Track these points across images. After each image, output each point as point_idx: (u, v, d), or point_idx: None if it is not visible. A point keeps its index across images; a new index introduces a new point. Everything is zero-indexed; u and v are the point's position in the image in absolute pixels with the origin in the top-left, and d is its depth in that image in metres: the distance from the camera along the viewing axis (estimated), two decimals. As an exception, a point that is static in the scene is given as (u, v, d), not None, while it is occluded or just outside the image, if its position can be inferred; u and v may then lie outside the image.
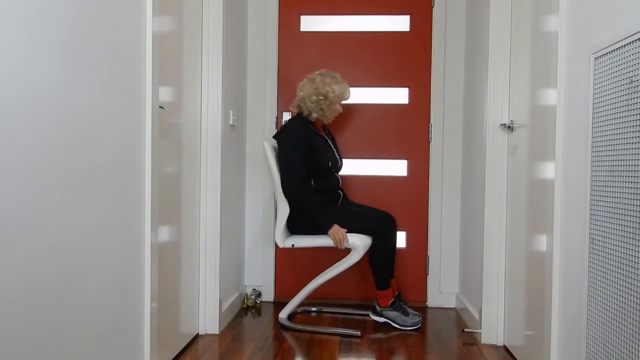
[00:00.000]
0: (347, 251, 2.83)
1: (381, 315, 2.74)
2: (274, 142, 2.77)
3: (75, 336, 1.35)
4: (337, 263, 2.73)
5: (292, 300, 2.81)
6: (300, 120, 2.72)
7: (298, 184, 2.58)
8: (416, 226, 3.19)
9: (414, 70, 3.17)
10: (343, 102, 2.76)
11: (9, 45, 1.09)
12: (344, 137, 3.17)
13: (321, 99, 2.67)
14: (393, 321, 2.70)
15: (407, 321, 2.68)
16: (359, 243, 2.58)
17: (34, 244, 1.18)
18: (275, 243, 3.20)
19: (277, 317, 2.87)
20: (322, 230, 2.61)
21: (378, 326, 2.73)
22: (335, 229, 2.58)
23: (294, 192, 2.59)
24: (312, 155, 2.63)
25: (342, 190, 2.85)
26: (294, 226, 2.69)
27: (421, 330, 2.68)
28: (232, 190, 2.85)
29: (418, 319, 2.71)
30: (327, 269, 2.91)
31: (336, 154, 2.80)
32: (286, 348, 2.40)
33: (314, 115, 2.71)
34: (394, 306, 2.72)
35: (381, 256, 2.66)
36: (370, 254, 2.67)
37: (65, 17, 1.29)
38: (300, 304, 2.99)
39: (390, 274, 2.71)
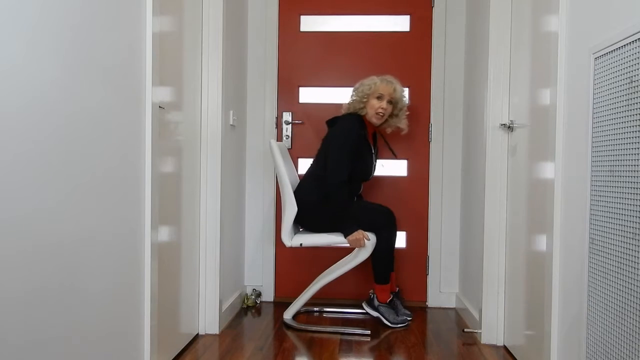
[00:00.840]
0: (350, 249, 2.83)
1: (377, 310, 2.75)
2: (282, 146, 2.75)
3: (74, 336, 1.35)
4: (344, 260, 2.73)
5: (297, 300, 2.81)
6: (357, 118, 2.71)
7: (342, 181, 2.57)
8: (416, 226, 3.19)
9: (414, 70, 3.17)
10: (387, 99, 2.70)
11: (9, 45, 1.09)
12: (344, 137, 3.17)
13: (364, 99, 2.72)
14: (385, 318, 2.72)
15: (397, 319, 2.72)
16: (366, 241, 2.58)
17: (34, 244, 1.18)
18: (275, 243, 3.21)
19: (277, 317, 2.87)
20: (342, 232, 2.59)
21: (378, 326, 2.72)
22: (357, 235, 2.55)
23: (336, 187, 2.56)
24: (354, 159, 2.64)
25: (357, 196, 2.88)
26: (300, 218, 2.68)
27: (420, 330, 2.68)
28: (232, 190, 2.85)
29: (406, 317, 2.74)
30: (327, 268, 2.91)
31: (374, 165, 2.81)
32: (286, 348, 2.40)
33: (363, 112, 2.73)
34: (390, 304, 2.76)
35: (383, 251, 2.67)
36: (373, 249, 2.67)
37: (65, 18, 1.29)
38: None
39: (390, 268, 2.72)
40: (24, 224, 1.14)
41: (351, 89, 3.13)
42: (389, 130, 2.92)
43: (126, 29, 1.62)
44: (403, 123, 2.85)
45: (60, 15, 1.27)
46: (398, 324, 2.71)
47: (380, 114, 2.69)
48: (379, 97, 2.69)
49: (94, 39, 1.43)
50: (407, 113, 2.86)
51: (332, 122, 2.76)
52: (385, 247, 2.67)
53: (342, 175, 2.57)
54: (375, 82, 2.71)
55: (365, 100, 2.71)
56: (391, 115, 2.80)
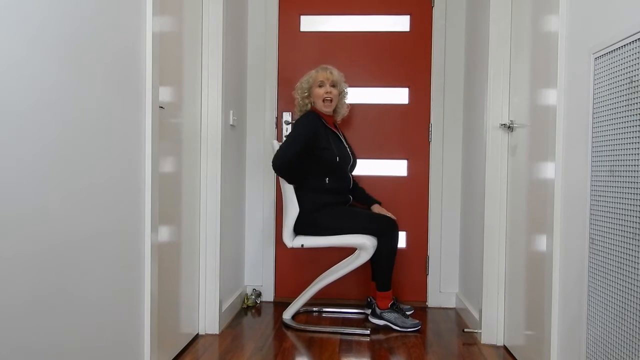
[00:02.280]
0: (351, 251, 2.83)
1: (381, 318, 2.71)
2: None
3: (74, 336, 1.35)
4: (345, 262, 2.72)
5: (296, 300, 2.81)
6: (312, 113, 2.73)
7: (283, 161, 2.56)
8: (416, 226, 3.19)
9: (414, 70, 3.17)
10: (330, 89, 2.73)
11: (8, 46, 1.09)
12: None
13: (305, 93, 2.76)
14: (394, 324, 2.67)
15: (407, 322, 2.67)
16: (368, 243, 2.58)
17: (34, 245, 1.18)
18: (276, 243, 3.21)
19: (278, 317, 2.87)
20: None
21: (378, 327, 2.72)
22: None
23: (277, 167, 2.58)
24: (321, 149, 2.63)
25: (351, 194, 2.85)
26: (299, 227, 2.67)
27: (421, 331, 2.67)
28: (232, 191, 2.85)
29: (417, 320, 2.71)
30: (328, 269, 2.91)
31: (348, 149, 2.80)
32: (286, 348, 2.40)
33: (309, 107, 2.78)
34: (393, 308, 2.71)
35: (385, 258, 2.65)
36: (374, 255, 2.66)
37: (65, 18, 1.29)
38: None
39: (391, 275, 2.71)
40: (24, 225, 1.14)
41: (352, 89, 3.15)
42: (339, 120, 2.92)
43: (126, 29, 1.62)
44: (344, 108, 2.88)
45: (60, 16, 1.27)
46: (409, 328, 2.66)
47: (328, 98, 2.73)
48: (321, 85, 2.73)
49: (94, 39, 1.43)
50: (347, 98, 2.91)
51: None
52: (388, 252, 2.65)
53: (285, 156, 2.56)
54: (311, 74, 2.78)
55: (306, 94, 2.76)
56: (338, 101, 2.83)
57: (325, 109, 2.74)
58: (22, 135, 1.13)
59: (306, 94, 2.76)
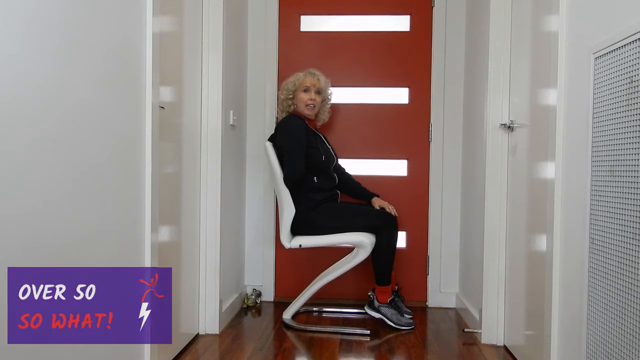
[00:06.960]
0: (350, 249, 2.83)
1: (378, 311, 2.72)
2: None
3: (75, 336, 1.35)
4: (343, 260, 2.72)
5: (296, 300, 2.80)
6: (294, 116, 2.75)
7: (300, 173, 2.59)
8: (416, 226, 3.19)
9: (414, 70, 3.16)
10: (314, 92, 2.74)
11: (7, 46, 1.09)
12: (344, 138, 3.17)
13: (289, 95, 2.77)
14: (389, 319, 2.69)
15: (402, 321, 2.68)
16: (366, 241, 2.58)
17: (33, 246, 1.18)
18: (275, 242, 3.21)
19: (278, 317, 2.87)
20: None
21: (377, 326, 2.72)
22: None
23: (293, 183, 2.61)
24: (309, 149, 2.65)
25: (345, 191, 2.87)
26: (295, 227, 2.67)
27: (421, 331, 2.67)
28: (232, 190, 2.85)
29: (411, 320, 2.72)
30: (327, 268, 2.91)
31: (331, 150, 2.82)
32: (286, 348, 2.40)
33: (292, 108, 2.79)
34: (391, 304, 2.72)
35: (383, 253, 2.66)
36: (373, 251, 2.66)
37: (65, 18, 1.29)
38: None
39: (390, 269, 2.72)
40: (24, 225, 1.14)
41: (352, 89, 3.15)
42: (319, 125, 2.93)
43: (126, 29, 1.62)
44: (325, 114, 2.89)
45: (59, 16, 1.27)
46: (403, 325, 2.67)
47: (311, 105, 2.74)
48: (306, 90, 2.74)
49: (94, 40, 1.43)
50: (330, 105, 2.91)
51: (273, 136, 2.75)
52: (386, 248, 2.66)
53: (299, 167, 2.59)
54: (299, 77, 2.78)
55: (291, 96, 2.77)
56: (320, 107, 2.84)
57: (307, 111, 2.75)
58: (21, 135, 1.13)
59: (290, 95, 2.77)
